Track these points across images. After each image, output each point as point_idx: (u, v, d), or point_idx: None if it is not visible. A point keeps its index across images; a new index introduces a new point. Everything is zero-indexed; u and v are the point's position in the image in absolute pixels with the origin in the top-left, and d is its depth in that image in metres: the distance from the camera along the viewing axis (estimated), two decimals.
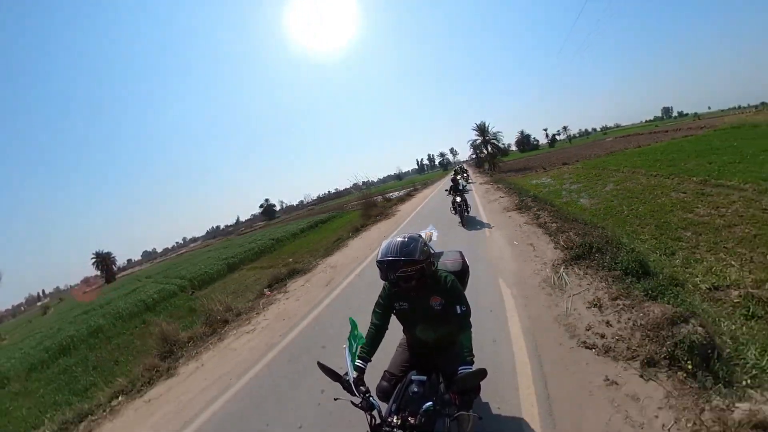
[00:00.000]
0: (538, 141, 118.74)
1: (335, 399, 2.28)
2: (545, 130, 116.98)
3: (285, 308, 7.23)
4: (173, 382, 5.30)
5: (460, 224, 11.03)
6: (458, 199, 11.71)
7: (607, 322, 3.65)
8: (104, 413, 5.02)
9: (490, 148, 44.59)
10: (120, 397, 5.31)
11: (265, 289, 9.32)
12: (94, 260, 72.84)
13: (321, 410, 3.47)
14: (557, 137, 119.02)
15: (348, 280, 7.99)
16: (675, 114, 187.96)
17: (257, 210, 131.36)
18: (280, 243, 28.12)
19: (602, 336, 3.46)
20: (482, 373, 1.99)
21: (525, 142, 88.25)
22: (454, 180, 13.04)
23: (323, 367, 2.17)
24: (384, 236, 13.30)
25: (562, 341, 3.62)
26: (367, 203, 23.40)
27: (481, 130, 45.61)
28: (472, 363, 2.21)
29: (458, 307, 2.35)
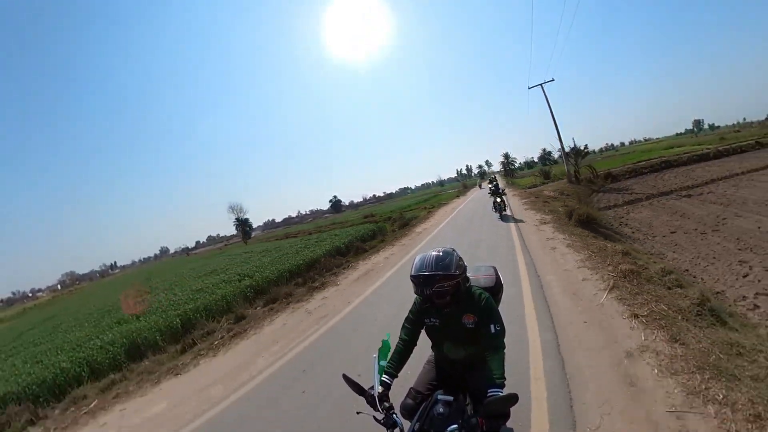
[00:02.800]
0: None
1: (357, 413, 2.10)
2: (559, 149, 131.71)
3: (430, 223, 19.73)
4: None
5: (499, 219, 13.49)
6: (498, 200, 14.62)
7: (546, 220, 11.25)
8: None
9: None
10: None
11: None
12: (235, 223, 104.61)
13: None
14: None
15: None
16: (706, 126, 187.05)
17: (323, 205, 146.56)
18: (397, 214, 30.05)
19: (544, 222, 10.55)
20: (513, 399, 1.74)
21: (546, 158, 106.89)
22: (494, 186, 15.93)
23: (348, 380, 2.07)
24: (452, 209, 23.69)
25: (531, 230, 10.02)
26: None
27: (506, 156, 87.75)
28: (503, 386, 1.98)
29: (492, 326, 2.15)
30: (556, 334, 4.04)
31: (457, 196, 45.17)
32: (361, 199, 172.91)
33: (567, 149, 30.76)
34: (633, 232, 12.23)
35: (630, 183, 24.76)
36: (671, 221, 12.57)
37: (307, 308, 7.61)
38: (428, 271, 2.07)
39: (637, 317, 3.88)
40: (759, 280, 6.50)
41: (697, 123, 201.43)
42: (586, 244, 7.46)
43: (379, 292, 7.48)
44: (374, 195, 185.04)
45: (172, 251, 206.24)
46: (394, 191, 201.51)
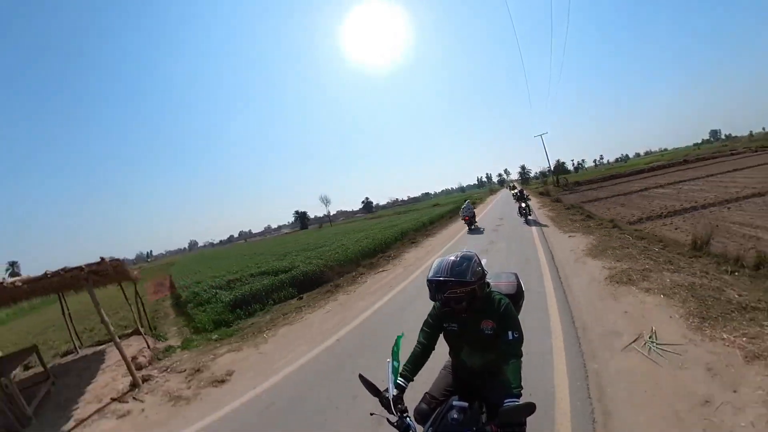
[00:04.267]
0: (576, 166, 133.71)
1: (371, 414, 2.05)
2: (572, 160, 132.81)
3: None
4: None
5: (524, 223, 14.32)
6: (523, 205, 15.31)
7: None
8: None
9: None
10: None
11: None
12: (295, 216, 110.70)
13: None
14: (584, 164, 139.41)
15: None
16: (723, 136, 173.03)
17: (355, 206, 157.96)
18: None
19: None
20: (530, 408, 1.64)
21: (560, 168, 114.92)
22: (519, 192, 16.57)
23: (364, 380, 1.98)
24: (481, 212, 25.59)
25: (544, 214, 15.80)
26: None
27: (522, 167, 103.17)
28: (519, 396, 1.87)
29: (510, 333, 2.04)
30: (546, 240, 10.21)
31: (490, 195, 69.28)
32: (387, 202, 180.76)
33: (553, 166, 57.14)
34: (572, 206, 20.07)
35: (586, 187, 37.31)
36: (592, 202, 20.60)
37: (420, 247, 14.48)
38: (443, 277, 2.02)
39: (580, 232, 10.12)
40: (634, 215, 13.35)
41: (714, 133, 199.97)
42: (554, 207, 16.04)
43: (461, 239, 14.16)
44: (397, 198, 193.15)
45: (201, 244, 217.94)
46: (418, 195, 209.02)
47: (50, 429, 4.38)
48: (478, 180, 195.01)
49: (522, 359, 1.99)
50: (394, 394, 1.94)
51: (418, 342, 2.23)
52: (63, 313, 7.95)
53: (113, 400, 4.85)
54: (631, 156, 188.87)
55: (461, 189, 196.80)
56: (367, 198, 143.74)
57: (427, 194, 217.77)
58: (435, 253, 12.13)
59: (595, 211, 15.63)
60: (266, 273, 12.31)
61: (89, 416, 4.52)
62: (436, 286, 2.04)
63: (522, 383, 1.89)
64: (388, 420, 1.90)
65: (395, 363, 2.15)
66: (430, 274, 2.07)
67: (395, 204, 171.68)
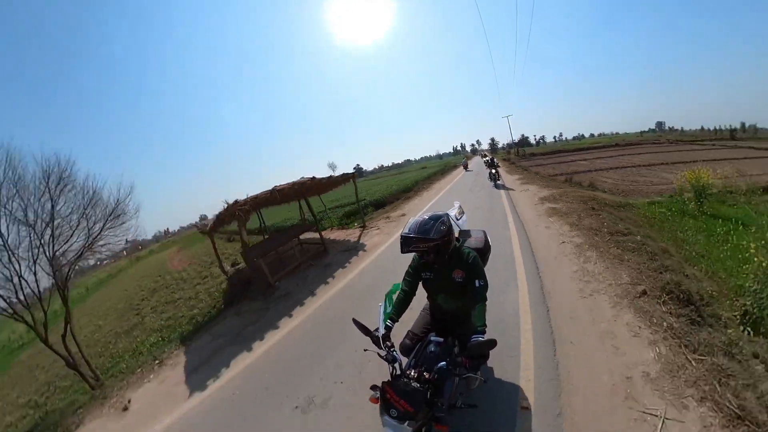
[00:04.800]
0: (538, 141, 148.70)
1: (365, 350, 2.48)
2: (535, 135, 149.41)
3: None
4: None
5: (494, 186, 15.31)
6: (493, 171, 16.37)
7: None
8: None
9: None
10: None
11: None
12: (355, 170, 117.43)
13: None
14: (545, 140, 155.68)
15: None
16: (667, 128, 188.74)
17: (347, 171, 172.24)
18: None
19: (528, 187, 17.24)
20: (492, 343, 1.92)
21: (523, 141, 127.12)
22: (490, 159, 18.02)
23: (357, 323, 2.28)
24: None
25: (513, 186, 14.69)
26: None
27: (492, 140, 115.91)
28: (484, 333, 2.16)
29: (477, 281, 2.32)
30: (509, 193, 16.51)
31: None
32: (374, 168, 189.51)
33: (518, 140, 67.94)
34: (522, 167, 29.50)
35: (538, 158, 45.24)
36: (537, 166, 28.53)
37: (433, 187, 21.79)
38: (411, 234, 2.32)
39: (524, 177, 18.29)
40: (555, 171, 23.43)
41: (660, 124, 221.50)
42: (510, 169, 23.24)
43: (456, 180, 21.21)
44: (383, 165, 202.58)
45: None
46: (400, 162, 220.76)
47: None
48: (453, 149, 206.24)
49: (486, 303, 2.30)
50: (383, 332, 2.28)
51: (401, 290, 2.55)
52: (301, 210, 11.53)
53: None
54: (586, 136, 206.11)
55: (438, 156, 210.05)
56: (357, 164, 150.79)
57: (408, 161, 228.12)
58: (448, 184, 20.29)
59: (535, 170, 24.83)
60: (350, 203, 17.80)
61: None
62: (403, 241, 2.36)
63: (486, 320, 2.20)
64: (378, 354, 2.23)
65: (387, 306, 2.59)
66: (403, 230, 2.39)
67: (381, 170, 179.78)
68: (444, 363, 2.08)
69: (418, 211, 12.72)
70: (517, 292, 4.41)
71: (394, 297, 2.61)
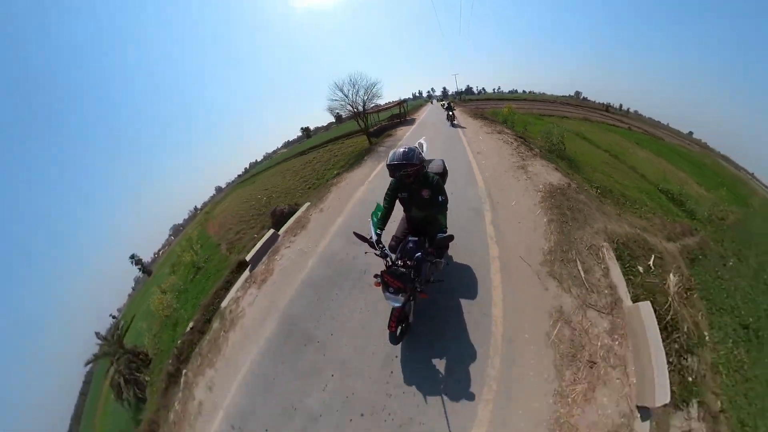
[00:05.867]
0: (479, 91, 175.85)
1: (365, 252, 3.55)
2: (477, 86, 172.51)
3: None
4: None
5: (450, 126, 17.01)
6: (450, 113, 18.28)
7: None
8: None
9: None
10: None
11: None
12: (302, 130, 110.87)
13: None
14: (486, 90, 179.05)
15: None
16: (581, 97, 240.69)
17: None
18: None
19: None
20: (450, 238, 2.86)
21: (468, 91, 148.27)
22: (448, 104, 19.70)
23: (357, 235, 3.04)
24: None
25: (467, 120, 19.47)
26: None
27: (444, 88, 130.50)
28: (445, 232, 3.11)
29: (440, 197, 3.16)
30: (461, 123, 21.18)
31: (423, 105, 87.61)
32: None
33: (464, 89, 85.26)
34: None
35: (474, 103, 60.63)
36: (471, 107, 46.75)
37: (418, 114, 38.80)
38: (398, 161, 3.03)
39: (468, 118, 32.24)
40: (479, 111, 42.11)
41: (578, 93, 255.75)
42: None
43: (420, 120, 33.58)
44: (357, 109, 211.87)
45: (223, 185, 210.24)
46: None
47: None
48: (412, 95, 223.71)
49: (447, 212, 3.22)
50: (376, 238, 3.07)
51: (384, 206, 3.36)
52: (399, 109, 32.28)
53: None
54: (519, 91, 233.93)
55: (413, 97, 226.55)
56: (336, 111, 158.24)
57: (375, 105, 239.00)
58: (426, 109, 37.79)
59: (467, 110, 43.33)
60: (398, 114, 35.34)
61: None
62: (394, 167, 3.05)
63: (447, 224, 3.14)
64: (375, 253, 3.05)
65: (375, 219, 3.37)
66: (389, 161, 3.08)
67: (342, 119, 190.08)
68: (419, 254, 2.99)
69: (424, 114, 30.20)
70: (466, 152, 10.09)
71: (379, 214, 3.47)
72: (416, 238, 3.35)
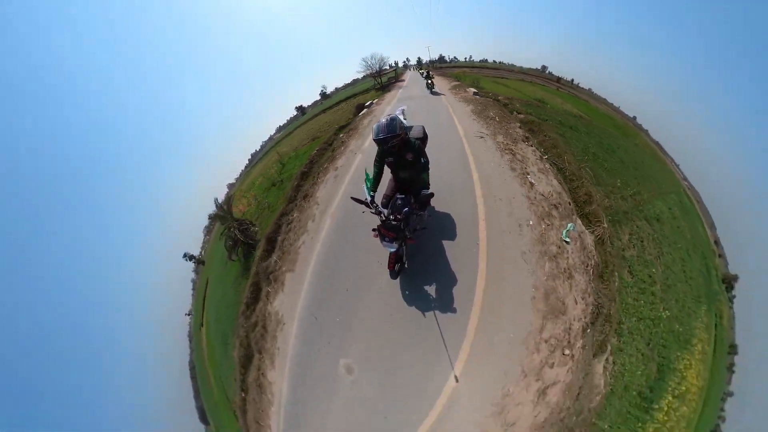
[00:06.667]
0: (451, 60, 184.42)
1: (363, 212, 3.85)
2: (449, 55, 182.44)
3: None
4: None
5: (430, 93, 17.55)
6: (429, 81, 18.52)
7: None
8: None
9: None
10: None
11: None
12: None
13: None
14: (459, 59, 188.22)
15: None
16: (547, 72, 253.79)
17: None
18: None
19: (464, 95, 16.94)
20: (432, 195, 3.53)
21: (441, 59, 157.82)
22: (427, 72, 19.93)
23: (354, 199, 3.49)
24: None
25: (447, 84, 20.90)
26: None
27: (419, 58, 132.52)
28: (428, 189, 3.79)
29: (422, 159, 3.71)
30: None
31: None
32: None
33: (437, 58, 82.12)
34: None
35: (445, 69, 66.02)
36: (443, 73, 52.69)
37: (402, 79, 48.16)
38: (383, 135, 3.46)
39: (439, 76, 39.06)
40: (454, 75, 51.39)
41: (544, 68, 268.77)
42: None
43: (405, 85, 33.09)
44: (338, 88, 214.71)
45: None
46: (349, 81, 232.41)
47: None
48: (389, 66, 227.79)
49: (429, 171, 3.76)
50: (370, 199, 3.65)
51: (374, 172, 3.84)
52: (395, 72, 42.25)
53: None
54: (489, 60, 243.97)
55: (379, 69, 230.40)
56: (323, 86, 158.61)
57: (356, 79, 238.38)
58: (407, 78, 46.21)
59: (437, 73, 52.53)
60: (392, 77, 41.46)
61: None
62: (381, 141, 3.49)
63: (430, 182, 3.66)
64: (371, 211, 3.58)
65: (368, 185, 3.81)
66: (374, 134, 3.46)
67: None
68: (407, 209, 3.54)
69: (407, 79, 40.10)
70: (448, 112, 11.62)
71: (371, 178, 3.92)
72: (403, 196, 4.05)
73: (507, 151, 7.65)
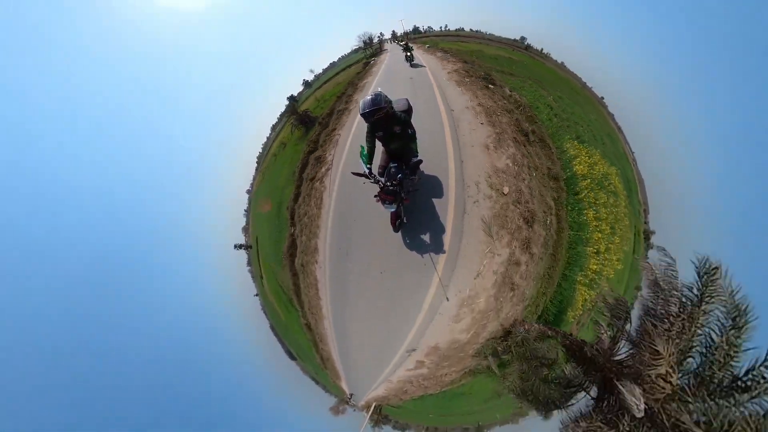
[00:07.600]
0: (425, 29, 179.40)
1: (363, 183, 4.17)
2: (424, 26, 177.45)
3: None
4: None
5: (409, 66, 16.35)
6: (408, 53, 17.52)
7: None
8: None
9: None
10: None
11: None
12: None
13: None
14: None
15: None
16: (527, 44, 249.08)
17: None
18: None
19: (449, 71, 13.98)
20: (420, 161, 4.06)
21: (415, 30, 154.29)
22: (405, 44, 19.00)
23: (354, 173, 3.86)
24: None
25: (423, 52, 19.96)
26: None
27: (393, 32, 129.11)
28: (417, 156, 4.25)
29: (409, 130, 4.03)
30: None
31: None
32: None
33: (412, 29, 77.39)
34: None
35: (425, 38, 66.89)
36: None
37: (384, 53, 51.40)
38: (369, 109, 3.65)
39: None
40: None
41: (523, 39, 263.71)
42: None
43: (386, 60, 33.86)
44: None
45: None
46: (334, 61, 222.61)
47: None
48: (363, 43, 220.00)
49: (417, 141, 4.19)
50: (368, 171, 4.14)
51: (367, 146, 4.23)
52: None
53: None
54: (466, 29, 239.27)
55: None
56: (311, 69, 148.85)
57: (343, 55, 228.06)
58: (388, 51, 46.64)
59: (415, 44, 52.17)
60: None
61: None
62: (367, 114, 3.69)
63: (418, 151, 4.39)
64: (370, 181, 4.20)
65: (364, 159, 4.21)
66: (361, 109, 3.63)
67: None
68: (401, 174, 4.07)
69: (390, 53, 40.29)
70: (428, 74, 12.65)
71: (365, 152, 4.30)
72: (396, 164, 4.46)
73: (455, 80, 12.05)
